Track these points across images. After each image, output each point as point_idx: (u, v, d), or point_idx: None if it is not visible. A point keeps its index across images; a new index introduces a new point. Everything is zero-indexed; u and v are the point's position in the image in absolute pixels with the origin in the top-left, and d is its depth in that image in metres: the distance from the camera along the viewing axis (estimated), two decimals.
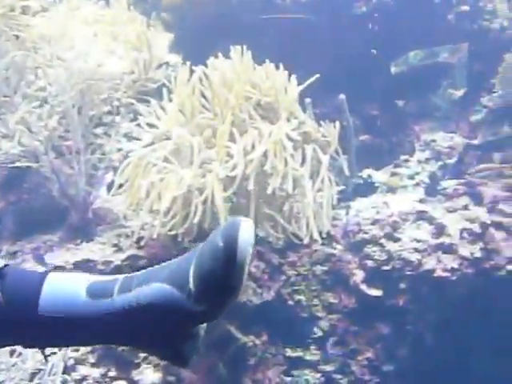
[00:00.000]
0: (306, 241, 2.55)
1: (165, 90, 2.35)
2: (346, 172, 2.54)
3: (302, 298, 3.38)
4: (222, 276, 1.02)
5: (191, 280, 1.04)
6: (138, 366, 2.33)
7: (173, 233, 2.25)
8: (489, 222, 3.12)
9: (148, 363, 2.35)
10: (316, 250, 3.38)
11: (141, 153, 2.29)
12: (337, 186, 3.50)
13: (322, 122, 2.53)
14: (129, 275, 1.11)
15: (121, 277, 1.10)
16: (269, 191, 2.39)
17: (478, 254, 3.05)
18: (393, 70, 3.73)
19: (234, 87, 2.39)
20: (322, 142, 2.57)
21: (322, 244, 3.41)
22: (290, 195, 2.56)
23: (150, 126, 2.42)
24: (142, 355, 2.35)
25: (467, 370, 3.30)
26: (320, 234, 2.51)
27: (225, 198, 2.40)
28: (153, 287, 1.05)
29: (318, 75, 2.35)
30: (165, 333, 1.08)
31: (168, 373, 2.43)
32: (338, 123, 2.50)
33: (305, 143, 2.53)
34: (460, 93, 3.79)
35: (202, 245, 1.07)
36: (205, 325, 1.14)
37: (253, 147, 2.36)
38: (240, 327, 2.96)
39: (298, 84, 2.55)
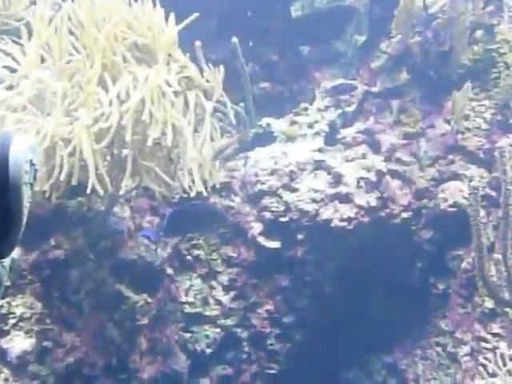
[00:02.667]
0: (192, 194, 2.40)
1: (23, 28, 2.08)
2: (233, 120, 2.38)
3: (200, 252, 3.28)
4: None
5: None
6: (7, 333, 2.15)
7: (38, 189, 2.04)
8: (385, 170, 3.10)
9: (18, 329, 2.18)
10: (214, 203, 3.26)
11: None
12: (235, 136, 3.41)
13: (205, 66, 2.35)
14: None
15: None
16: (149, 143, 2.21)
17: (374, 203, 3.03)
18: (294, 14, 3.57)
19: (105, 26, 2.16)
20: (208, 88, 2.40)
21: (220, 196, 3.30)
22: (175, 146, 2.39)
23: (11, 69, 2.16)
24: (12, 321, 2.17)
25: (366, 315, 3.34)
26: (206, 186, 2.36)
27: (102, 151, 2.20)
28: None
29: (196, 14, 2.15)
30: None
31: (43, 338, 2.27)
32: (221, 67, 2.32)
33: (187, 89, 2.35)
34: (363, 38, 3.69)
35: None
36: (7, 262, 1.00)
37: (128, 94, 2.16)
38: (131, 285, 2.83)
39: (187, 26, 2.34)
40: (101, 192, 2.04)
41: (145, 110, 2.15)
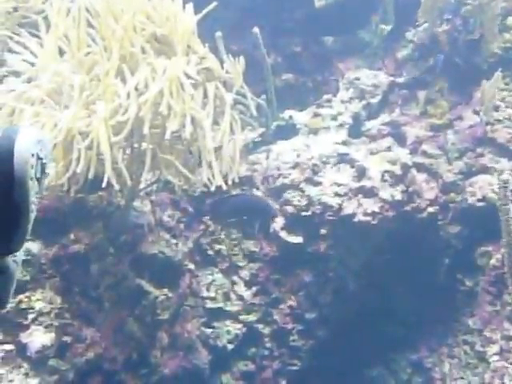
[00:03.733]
0: (212, 188, 2.35)
1: (41, 20, 2.06)
2: (253, 112, 2.33)
3: (222, 247, 3.24)
4: (1, 194, 0.90)
5: None
6: (26, 327, 2.14)
7: (54, 182, 2.01)
8: (410, 163, 3.01)
9: (39, 324, 2.16)
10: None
11: (14, 94, 2.01)
12: (257, 129, 3.35)
13: (225, 58, 2.30)
14: None
15: None
16: (167, 136, 2.16)
17: (399, 197, 2.95)
18: (317, 3, 3.49)
19: (123, 17, 2.12)
20: (228, 80, 2.35)
21: (242, 190, 3.25)
22: (194, 139, 2.34)
23: (30, 63, 2.14)
24: (31, 316, 2.16)
25: (390, 312, 3.27)
26: (226, 180, 2.31)
27: (121, 144, 2.17)
28: None
29: (215, 3, 2.09)
30: None
31: (63, 333, 2.25)
32: (242, 58, 2.27)
33: (207, 81, 2.30)
34: (389, 28, 3.59)
35: None
36: (19, 257, 0.99)
37: (146, 86, 2.12)
38: (151, 280, 2.80)
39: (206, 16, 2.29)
40: (117, 186, 2.00)
41: (163, 102, 2.11)
